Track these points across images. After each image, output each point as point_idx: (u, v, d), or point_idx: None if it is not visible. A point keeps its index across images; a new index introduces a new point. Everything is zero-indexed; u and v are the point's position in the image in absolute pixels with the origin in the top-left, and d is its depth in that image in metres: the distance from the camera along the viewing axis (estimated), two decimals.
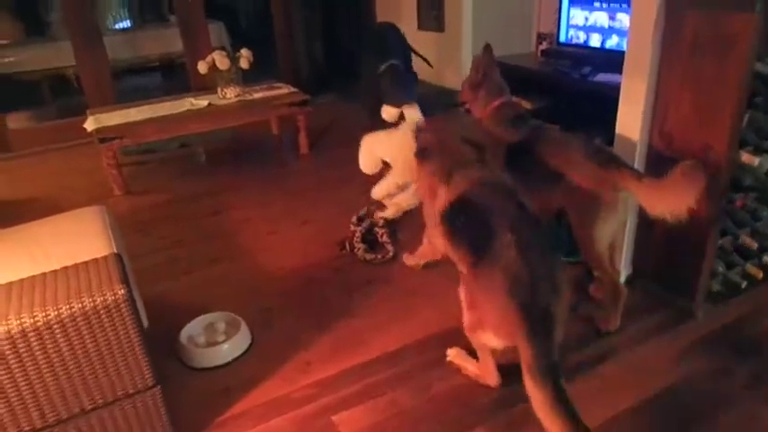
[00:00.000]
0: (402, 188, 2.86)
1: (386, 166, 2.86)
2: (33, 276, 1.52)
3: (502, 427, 1.73)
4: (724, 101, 1.86)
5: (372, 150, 2.80)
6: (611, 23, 3.48)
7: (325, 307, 2.36)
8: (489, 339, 1.67)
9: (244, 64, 3.93)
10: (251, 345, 2.14)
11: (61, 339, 1.42)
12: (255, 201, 3.42)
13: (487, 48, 2.40)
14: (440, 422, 1.76)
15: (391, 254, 2.68)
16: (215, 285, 2.56)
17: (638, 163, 2.17)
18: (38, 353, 1.40)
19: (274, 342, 2.16)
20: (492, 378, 1.87)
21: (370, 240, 2.79)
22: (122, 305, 1.47)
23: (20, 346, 1.37)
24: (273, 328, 2.24)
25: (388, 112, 2.97)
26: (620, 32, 3.43)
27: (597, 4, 3.55)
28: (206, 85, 4.34)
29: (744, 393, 1.82)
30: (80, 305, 1.42)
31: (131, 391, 1.57)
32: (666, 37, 1.98)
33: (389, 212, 2.94)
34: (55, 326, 1.40)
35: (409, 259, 2.61)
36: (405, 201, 2.92)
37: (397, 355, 2.06)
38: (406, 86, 2.95)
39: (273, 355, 2.08)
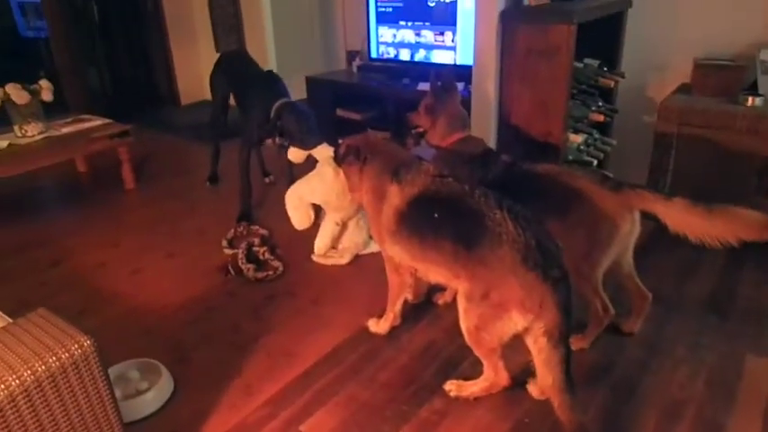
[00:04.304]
0: (343, 224, 2.77)
1: (317, 216, 2.80)
2: None
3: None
4: (556, 95, 2.37)
5: (301, 198, 2.73)
6: (418, 39, 3.98)
7: (237, 330, 2.30)
8: (512, 321, 1.60)
9: (46, 96, 3.47)
10: (175, 386, 2.00)
11: (26, 411, 1.22)
12: (99, 243, 3.06)
13: (447, 74, 2.28)
14: (399, 403, 1.90)
15: (281, 269, 2.69)
16: (98, 338, 2.27)
17: None
18: None
19: (200, 377, 2.05)
20: (505, 378, 1.82)
21: (253, 260, 2.77)
22: (91, 357, 1.32)
23: None
24: (192, 363, 2.12)
25: (295, 155, 2.84)
26: (426, 46, 3.95)
27: (403, 23, 4.02)
28: None
29: None
30: (43, 366, 1.24)
31: None
32: (505, 47, 2.43)
33: (346, 258, 2.76)
34: (19, 396, 1.20)
35: (379, 325, 2.22)
36: (355, 239, 2.79)
37: (332, 357, 2.13)
38: (312, 127, 2.81)
39: (207, 389, 1.98)
